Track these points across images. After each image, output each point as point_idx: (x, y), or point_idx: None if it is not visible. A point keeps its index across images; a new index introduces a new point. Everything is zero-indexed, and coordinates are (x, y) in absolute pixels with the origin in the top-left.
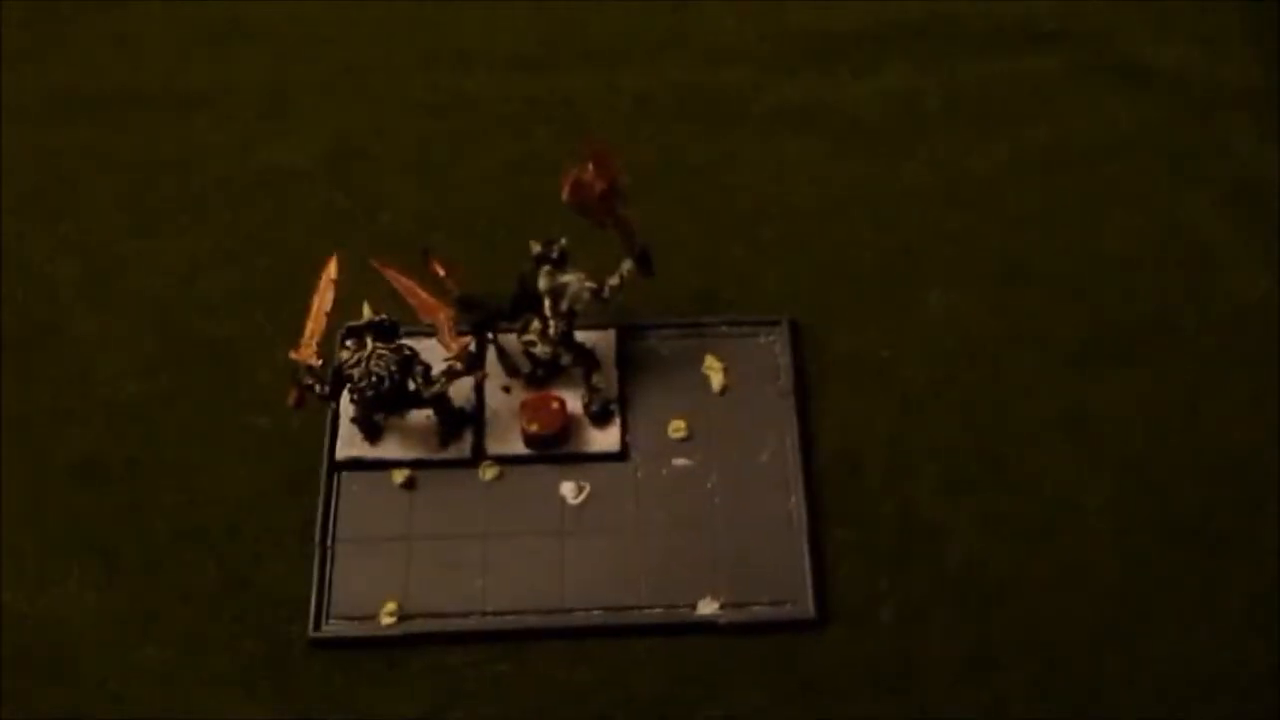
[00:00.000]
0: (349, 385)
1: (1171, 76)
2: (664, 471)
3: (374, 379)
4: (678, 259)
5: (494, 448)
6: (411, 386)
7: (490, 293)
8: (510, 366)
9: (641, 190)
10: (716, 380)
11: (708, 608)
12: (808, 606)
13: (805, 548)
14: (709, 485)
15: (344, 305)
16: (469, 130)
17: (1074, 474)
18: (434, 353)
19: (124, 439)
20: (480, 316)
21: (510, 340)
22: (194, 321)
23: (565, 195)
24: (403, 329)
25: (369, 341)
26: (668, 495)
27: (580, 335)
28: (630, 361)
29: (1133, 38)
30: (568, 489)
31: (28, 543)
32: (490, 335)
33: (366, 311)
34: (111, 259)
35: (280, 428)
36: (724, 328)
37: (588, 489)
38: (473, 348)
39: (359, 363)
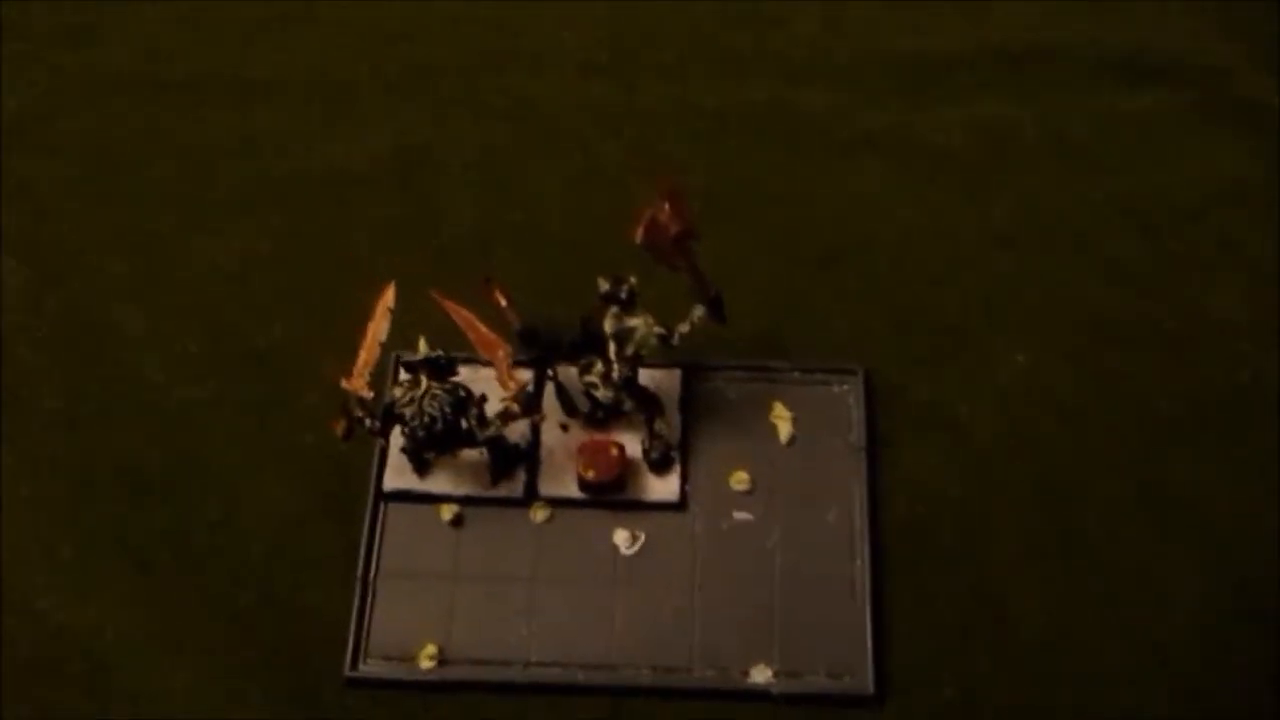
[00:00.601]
0: (401, 423)
1: None
2: (724, 525)
3: (427, 419)
4: (748, 295)
5: (547, 489)
6: (464, 425)
7: (551, 320)
8: (569, 405)
9: (713, 218)
10: (784, 430)
11: (761, 675)
12: (866, 681)
13: (868, 617)
14: (770, 543)
15: (400, 320)
16: (535, 139)
17: (1155, 550)
18: (491, 384)
19: (169, 447)
20: (541, 351)
21: (571, 376)
22: (244, 325)
23: (639, 237)
24: (460, 357)
25: (423, 380)
26: (726, 551)
27: (644, 374)
28: (695, 404)
29: (1251, 76)
30: (622, 538)
31: (68, 549)
32: (550, 372)
33: (422, 346)
34: (164, 252)
35: (327, 447)
36: (795, 374)
37: (643, 538)
38: (531, 386)
39: (412, 401)
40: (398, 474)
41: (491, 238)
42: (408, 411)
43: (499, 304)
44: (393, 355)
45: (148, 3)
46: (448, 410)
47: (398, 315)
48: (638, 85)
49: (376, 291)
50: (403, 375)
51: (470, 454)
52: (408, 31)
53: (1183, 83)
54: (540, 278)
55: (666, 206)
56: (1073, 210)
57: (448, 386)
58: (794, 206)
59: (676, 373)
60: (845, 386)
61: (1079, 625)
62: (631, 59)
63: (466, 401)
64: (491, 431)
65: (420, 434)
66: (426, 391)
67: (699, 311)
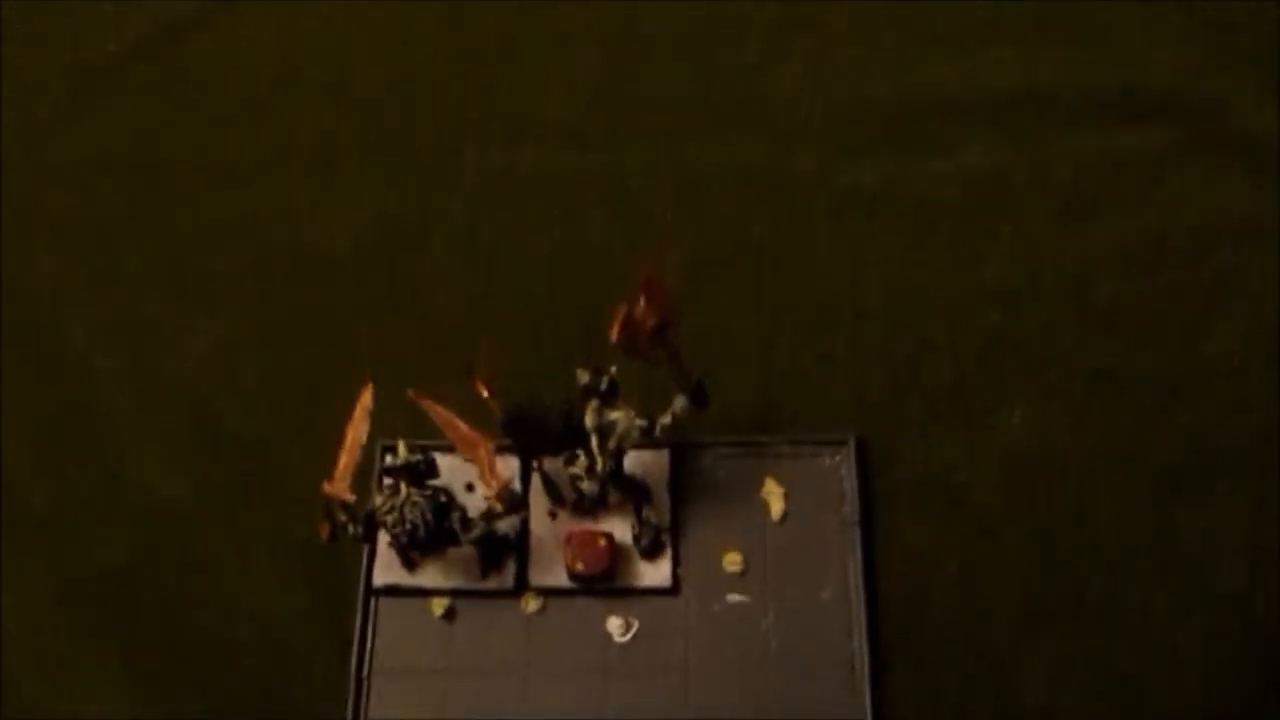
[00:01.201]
0: (383, 528)
1: None
2: (717, 608)
3: (408, 525)
4: (737, 360)
5: (538, 578)
6: (448, 527)
7: (536, 403)
8: (556, 494)
9: (699, 283)
10: (776, 507)
11: None
12: None
13: (868, 696)
14: (765, 625)
15: (386, 411)
16: (519, 211)
17: (1164, 611)
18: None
19: (157, 543)
20: (525, 442)
21: (557, 466)
22: (230, 413)
23: (614, 336)
24: (444, 446)
25: (402, 487)
26: (721, 635)
27: (632, 455)
28: (684, 485)
29: (1243, 110)
30: (614, 625)
31: (59, 647)
32: (536, 464)
33: (402, 451)
34: (149, 340)
35: (316, 539)
36: (785, 447)
37: (636, 626)
38: (516, 480)
39: (392, 509)
40: (386, 569)
41: (477, 313)
42: (389, 519)
43: (481, 395)
44: (378, 448)
45: (131, 84)
46: (429, 516)
47: (382, 402)
48: (622, 150)
49: (357, 381)
50: (384, 482)
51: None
52: (389, 104)
53: (1173, 120)
54: (527, 353)
55: (642, 300)
56: (1066, 257)
57: (428, 493)
58: (783, 268)
59: (665, 453)
60: (837, 458)
61: (1084, 690)
62: (615, 124)
63: (448, 507)
64: (476, 534)
65: (403, 539)
66: (406, 498)
67: (681, 402)
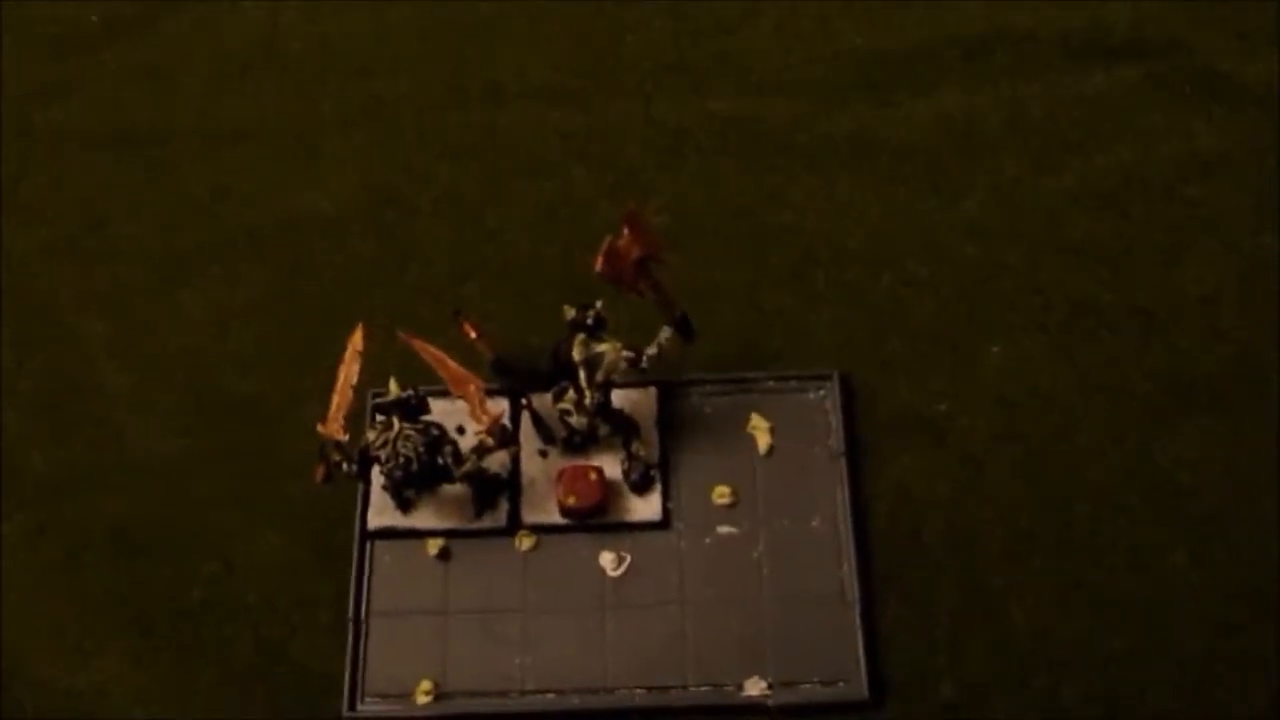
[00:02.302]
0: (377, 465)
1: (1259, 91)
2: (708, 540)
3: (402, 460)
4: (721, 306)
5: (530, 516)
6: (440, 462)
7: (525, 350)
8: (546, 433)
9: (683, 232)
10: (763, 441)
11: (755, 688)
12: (861, 686)
13: (858, 622)
14: (755, 555)
15: (376, 363)
16: (502, 170)
17: (1150, 534)
18: (468, 416)
19: (158, 504)
20: (514, 382)
21: (545, 404)
22: (224, 376)
23: (599, 266)
24: (435, 391)
25: (395, 421)
26: (712, 566)
27: (620, 394)
28: (672, 422)
29: (1215, 49)
30: (607, 560)
31: (67, 613)
32: (525, 402)
33: (393, 387)
34: (141, 308)
35: (313, 492)
36: (771, 383)
37: (629, 560)
38: (506, 419)
39: (386, 444)
40: (380, 512)
41: (463, 270)
42: (383, 454)
43: (469, 337)
44: (369, 394)
45: (110, 57)
46: (421, 450)
47: (374, 354)
48: (601, 108)
49: (348, 334)
50: (377, 418)
51: (452, 488)
52: (368, 69)
53: (1142, 59)
54: (513, 307)
55: (626, 232)
56: (1041, 195)
57: (420, 426)
58: (762, 216)
59: (652, 391)
60: (821, 392)
61: (1075, 616)
62: (592, 83)
63: (440, 440)
64: (468, 467)
65: (397, 474)
66: (399, 433)
67: (666, 333)
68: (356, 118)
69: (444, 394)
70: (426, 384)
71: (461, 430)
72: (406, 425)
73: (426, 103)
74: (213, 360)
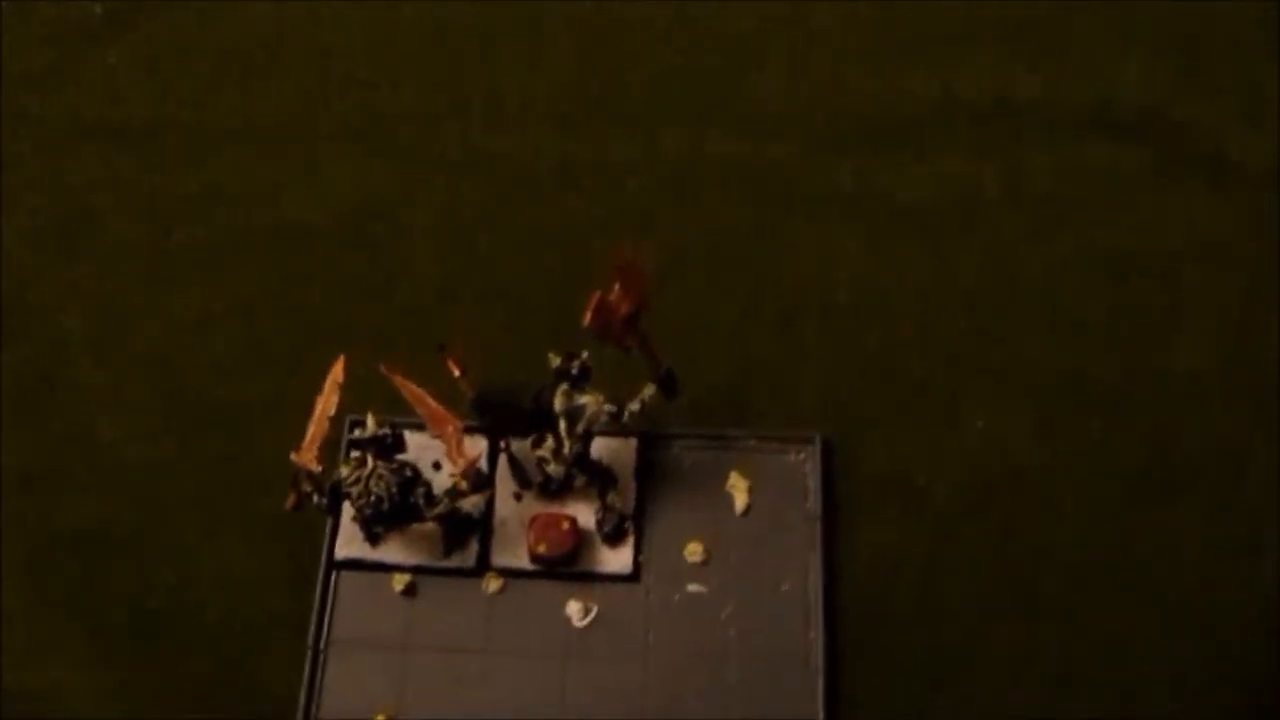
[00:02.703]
0: (348, 500)
1: (1263, 176)
2: (677, 597)
3: (373, 498)
4: (708, 352)
5: (500, 559)
6: (412, 502)
7: (507, 387)
8: (522, 477)
9: (674, 273)
10: (740, 500)
11: None
12: None
13: (820, 688)
14: (724, 615)
15: (357, 385)
16: (497, 192)
17: (1121, 616)
18: (442, 450)
19: (125, 507)
20: (494, 423)
21: (524, 449)
22: (202, 382)
23: (587, 320)
24: (412, 423)
25: (370, 459)
26: (679, 623)
27: (599, 442)
28: (651, 473)
29: (1222, 130)
30: (574, 609)
31: (23, 611)
32: (503, 444)
33: (370, 424)
34: (122, 307)
35: (281, 511)
36: (752, 442)
37: (595, 610)
38: (483, 460)
39: (358, 481)
40: (349, 542)
41: (451, 294)
42: (354, 490)
43: (453, 374)
44: (347, 421)
45: (110, 48)
46: (394, 490)
47: (353, 376)
48: (602, 136)
49: (330, 356)
50: (351, 454)
51: (423, 524)
52: (371, 80)
53: (1146, 136)
54: (499, 336)
55: (617, 286)
56: (1037, 266)
57: (394, 465)
58: (757, 263)
59: (632, 441)
60: (802, 455)
61: (1042, 689)
62: (596, 110)
63: (413, 481)
64: (440, 509)
65: (367, 512)
66: (373, 471)
67: (650, 390)
68: (354, 127)
69: (421, 428)
70: (405, 414)
71: (437, 466)
72: (380, 464)
73: (425, 118)
74: (191, 364)
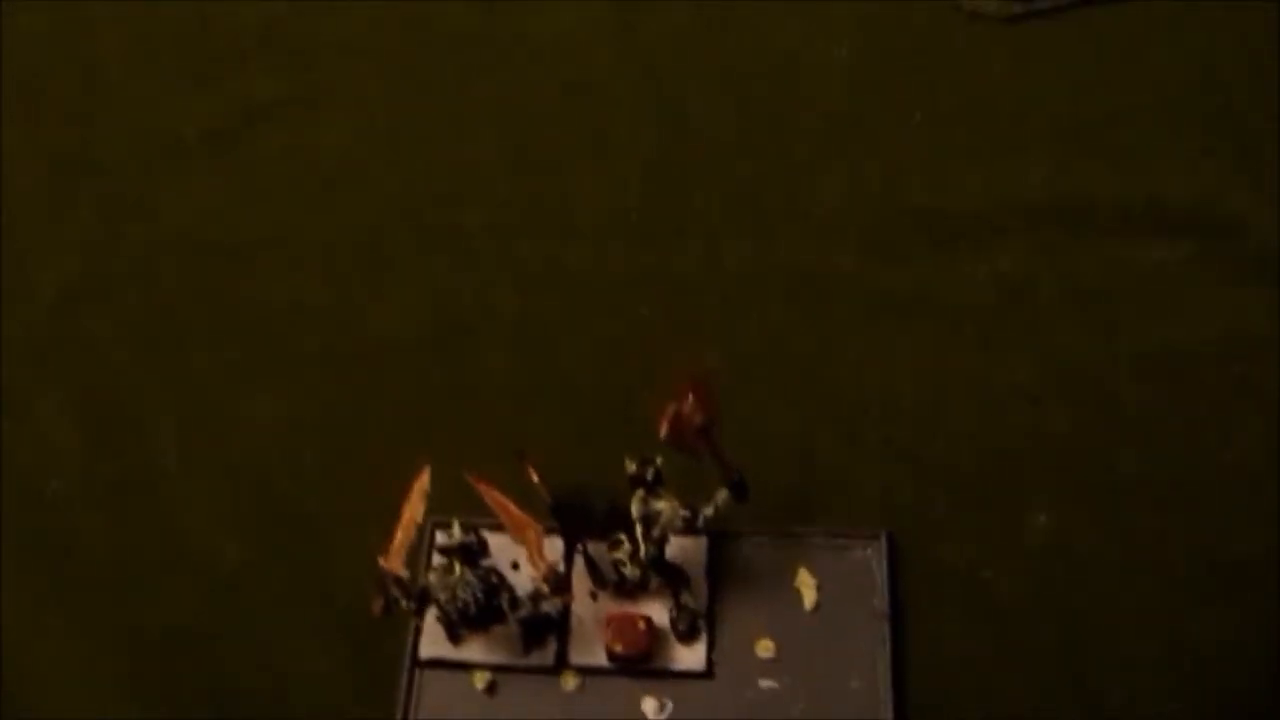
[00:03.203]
0: (435, 605)
1: None
2: (749, 694)
3: (460, 604)
4: (773, 455)
5: (577, 657)
6: (496, 604)
7: (583, 490)
8: (598, 577)
9: (739, 379)
10: (809, 597)
11: None
12: None
13: None
14: (794, 712)
15: (439, 491)
16: (568, 303)
17: (1188, 714)
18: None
19: (212, 609)
20: (571, 525)
21: (600, 550)
22: (288, 488)
23: (663, 432)
24: (492, 526)
25: (456, 565)
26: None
27: (671, 542)
28: (721, 571)
29: (1270, 226)
30: (650, 706)
31: (115, 709)
32: (580, 546)
33: (456, 532)
34: (214, 419)
35: (363, 614)
36: (819, 539)
37: (670, 707)
38: (561, 560)
39: (445, 587)
40: (433, 642)
41: (527, 402)
42: (442, 596)
43: (531, 480)
44: (429, 525)
45: (198, 173)
46: (480, 596)
47: (435, 481)
48: (668, 247)
49: (410, 465)
50: (436, 560)
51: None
52: (448, 195)
53: (1198, 234)
54: (574, 443)
55: (690, 398)
56: (1094, 364)
57: (480, 572)
58: (819, 367)
59: (703, 540)
60: (869, 551)
61: None
62: (662, 221)
63: (498, 587)
64: (523, 614)
65: (454, 616)
66: (459, 578)
67: (723, 495)
68: (432, 243)
69: (502, 528)
70: (482, 514)
71: (516, 566)
72: (466, 570)
73: (499, 233)
74: (278, 471)
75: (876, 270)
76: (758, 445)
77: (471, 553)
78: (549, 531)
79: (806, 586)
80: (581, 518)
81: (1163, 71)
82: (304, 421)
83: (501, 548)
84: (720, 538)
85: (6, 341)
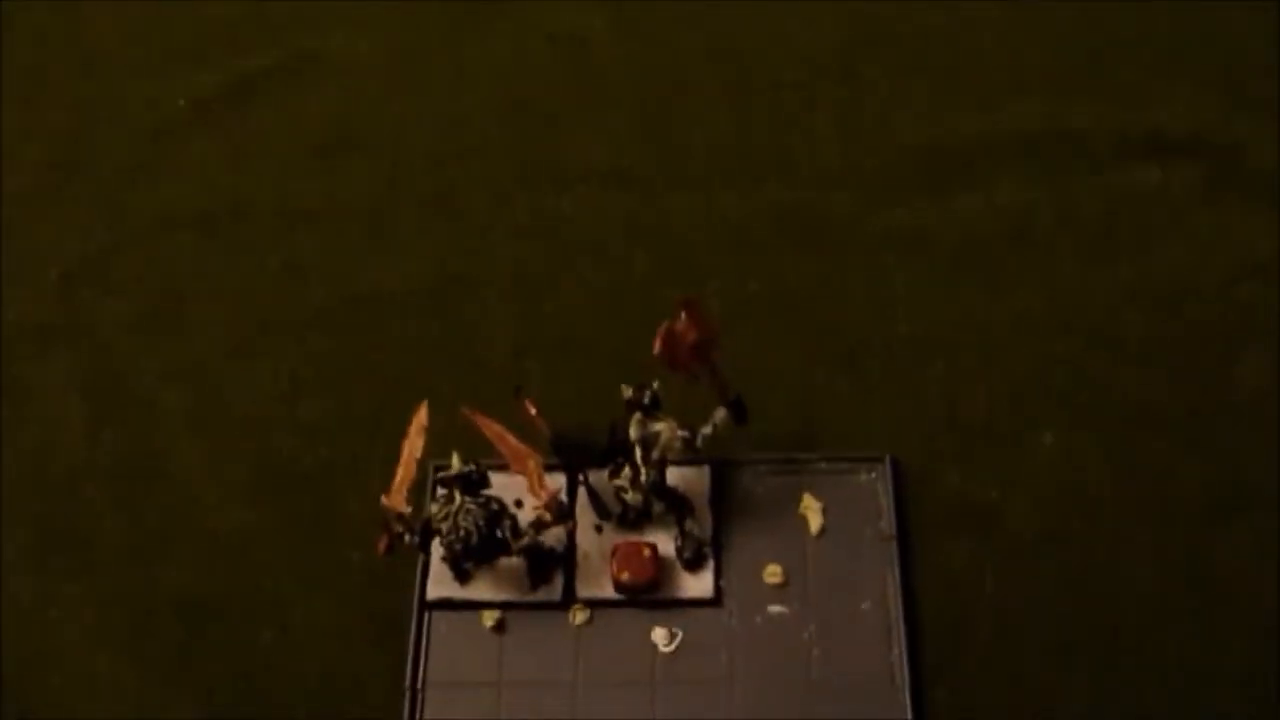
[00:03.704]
0: (438, 537)
1: None
2: (758, 619)
3: (462, 533)
4: (775, 393)
5: (585, 590)
6: (499, 535)
7: (583, 426)
8: (601, 509)
9: (741, 319)
10: (815, 522)
11: None
12: None
13: (908, 706)
14: (806, 635)
15: (439, 437)
16: (565, 253)
17: (1199, 638)
18: (525, 489)
19: (223, 572)
20: (572, 458)
21: (601, 481)
22: (292, 448)
23: (657, 349)
24: (495, 465)
25: (457, 495)
26: (763, 645)
27: (674, 472)
28: (725, 501)
29: (1268, 152)
30: (659, 636)
31: (132, 679)
32: (581, 478)
33: (455, 462)
34: (215, 383)
35: (372, 562)
36: (823, 465)
37: (680, 636)
38: (563, 495)
39: (447, 517)
40: (439, 583)
41: (525, 351)
42: (444, 527)
43: (529, 415)
44: (431, 466)
45: (197, 141)
46: (481, 524)
47: (437, 429)
48: (663, 195)
49: (413, 408)
50: (438, 491)
51: (508, 561)
52: (440, 154)
53: (1198, 160)
54: (572, 387)
55: (684, 316)
56: (1094, 292)
57: (480, 500)
58: (818, 306)
59: (706, 470)
60: (873, 474)
61: (1124, 717)
62: (656, 169)
63: (500, 514)
64: (526, 541)
65: (457, 547)
66: (460, 507)
67: (721, 414)
68: (427, 201)
69: (503, 468)
70: (487, 458)
71: (520, 504)
72: (468, 499)
73: (494, 187)
74: (281, 432)
75: (874, 209)
76: (759, 380)
77: (471, 482)
78: (549, 468)
79: (812, 512)
80: (582, 450)
81: (1157, 3)
82: (305, 381)
83: (502, 487)
84: (723, 466)
85: (6, 323)
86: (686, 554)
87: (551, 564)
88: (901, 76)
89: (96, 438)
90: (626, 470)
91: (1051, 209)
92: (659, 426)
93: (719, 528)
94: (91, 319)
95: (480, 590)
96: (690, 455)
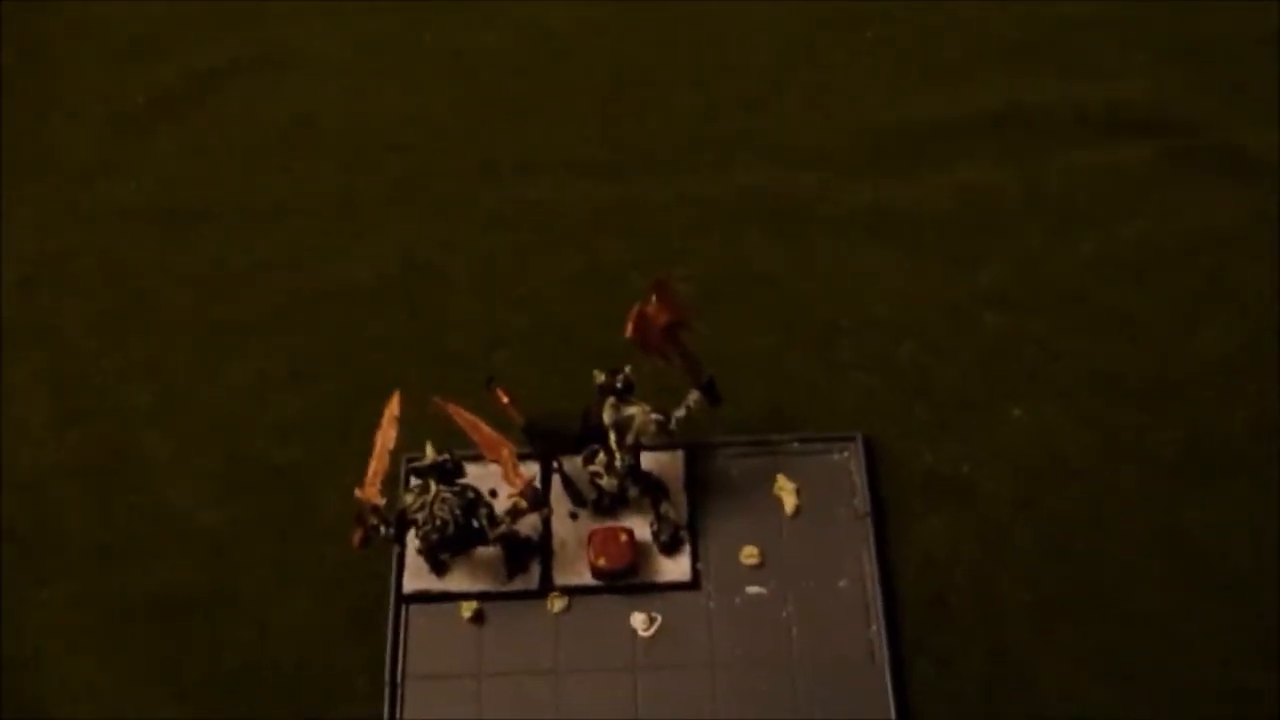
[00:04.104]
0: (414, 528)
1: (1273, 164)
2: (737, 600)
3: (438, 522)
4: (747, 372)
5: (562, 578)
6: (476, 524)
7: (555, 415)
8: (576, 495)
9: (709, 301)
10: (789, 502)
11: None
12: None
13: (889, 684)
14: (784, 615)
15: (412, 429)
16: (533, 242)
17: (1175, 599)
18: (501, 479)
19: (197, 570)
20: (545, 445)
21: (576, 467)
22: (263, 444)
23: (629, 331)
24: (469, 455)
25: (432, 485)
26: (742, 626)
27: (648, 457)
28: (699, 484)
29: (1232, 124)
30: (638, 620)
31: (107, 681)
32: (556, 465)
33: (429, 452)
34: (183, 378)
35: (347, 557)
36: (795, 445)
37: (659, 620)
38: (537, 482)
39: (423, 507)
40: (416, 576)
41: (496, 340)
42: (419, 517)
43: (502, 404)
44: (404, 459)
45: (157, 135)
46: (457, 513)
47: (409, 421)
48: (629, 181)
49: (382, 408)
50: (412, 481)
51: (485, 551)
52: (404, 145)
53: (1159, 133)
54: (544, 373)
55: (654, 298)
56: (1061, 266)
57: (456, 489)
58: (787, 285)
59: (679, 454)
60: (845, 454)
61: (1103, 683)
62: (623, 155)
63: (475, 503)
64: (502, 529)
65: (433, 537)
66: (436, 496)
67: (694, 397)
68: (392, 192)
69: (477, 458)
70: (461, 449)
71: (494, 493)
72: (443, 488)
73: (459, 177)
74: (251, 428)
75: (839, 188)
76: (731, 362)
77: (446, 472)
78: (523, 457)
79: (786, 492)
80: (555, 437)
81: None
82: (274, 377)
83: (478, 477)
84: (696, 450)
85: None
86: (663, 538)
87: (528, 553)
88: (867, 58)
89: (63, 438)
90: (601, 456)
91: (1017, 185)
92: (632, 410)
93: (694, 511)
94: (56, 319)
95: (457, 582)
96: (664, 438)
